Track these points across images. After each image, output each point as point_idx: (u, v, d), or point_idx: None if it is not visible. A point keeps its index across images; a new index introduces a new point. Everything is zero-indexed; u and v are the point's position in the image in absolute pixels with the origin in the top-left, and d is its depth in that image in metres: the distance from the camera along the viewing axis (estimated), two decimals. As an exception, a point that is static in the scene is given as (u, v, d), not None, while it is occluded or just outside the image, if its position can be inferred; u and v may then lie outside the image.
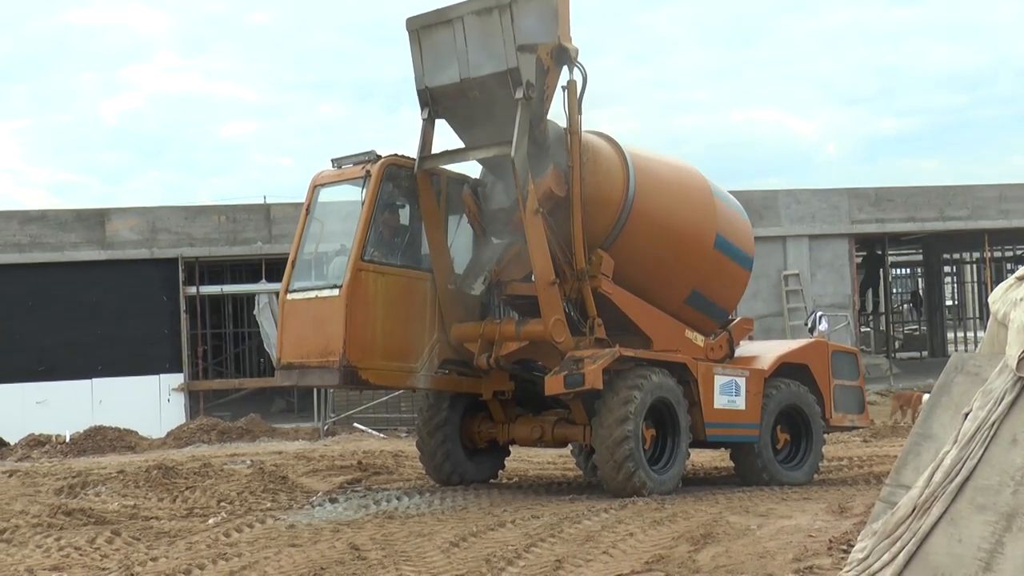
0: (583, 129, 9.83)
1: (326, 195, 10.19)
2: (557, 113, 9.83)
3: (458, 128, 10.02)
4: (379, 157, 9.78)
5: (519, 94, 9.25)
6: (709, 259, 10.58)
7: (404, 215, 10.13)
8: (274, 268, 19.53)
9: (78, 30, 60.54)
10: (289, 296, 9.89)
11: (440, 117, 9.96)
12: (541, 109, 9.60)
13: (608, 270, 9.97)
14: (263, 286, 20.00)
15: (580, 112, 9.73)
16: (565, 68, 9.69)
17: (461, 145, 10.06)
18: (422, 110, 9.92)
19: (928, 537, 4.48)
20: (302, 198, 10.39)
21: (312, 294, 9.71)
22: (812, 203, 22.10)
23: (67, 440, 16.41)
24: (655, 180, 10.30)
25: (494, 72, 9.34)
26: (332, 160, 10.15)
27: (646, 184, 10.16)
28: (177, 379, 19.54)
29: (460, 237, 10.36)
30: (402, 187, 9.96)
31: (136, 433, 16.79)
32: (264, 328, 19.98)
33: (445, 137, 10.18)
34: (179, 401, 19.48)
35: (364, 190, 9.63)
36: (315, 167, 10.39)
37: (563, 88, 9.72)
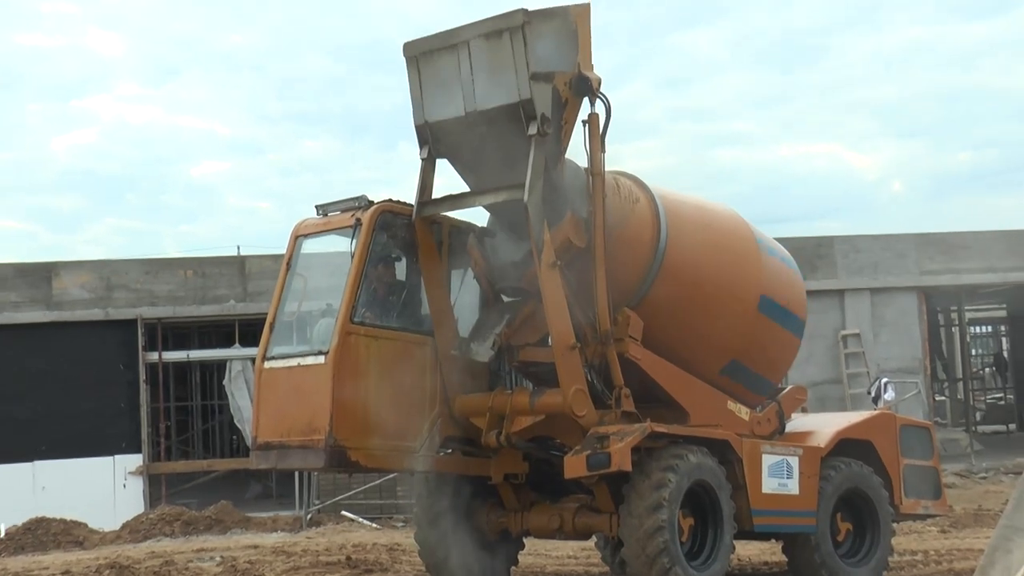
0: (606, 169, 9.96)
1: (310, 247, 10.31)
2: (577, 151, 9.99)
3: (462, 169, 10.15)
4: (371, 203, 9.92)
5: (533, 129, 9.38)
6: (752, 322, 10.68)
7: (400, 270, 10.23)
8: (249, 331, 19.65)
9: (25, 54, 61.48)
10: (267, 364, 9.97)
11: (442, 156, 10.10)
12: (558, 147, 9.74)
13: (636, 332, 10.04)
14: (236, 352, 20.12)
15: (603, 150, 9.87)
16: (586, 100, 9.85)
17: (466, 188, 10.19)
18: (421, 148, 10.06)
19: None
20: (282, 250, 10.50)
21: (294, 362, 9.79)
22: (874, 251, 22.18)
23: (2, 535, 16.40)
24: (690, 228, 10.41)
25: (504, 104, 9.47)
26: (317, 206, 10.27)
27: (680, 232, 10.28)
28: (135, 461, 19.58)
29: (465, 295, 10.44)
30: (398, 237, 10.08)
31: (85, 526, 16.78)
32: (236, 401, 20.05)
33: (447, 179, 10.34)
34: (137, 487, 19.50)
35: (354, 241, 9.75)
36: (298, 213, 10.55)
37: (583, 122, 9.87)
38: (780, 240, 11.95)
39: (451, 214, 10.27)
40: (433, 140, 9.96)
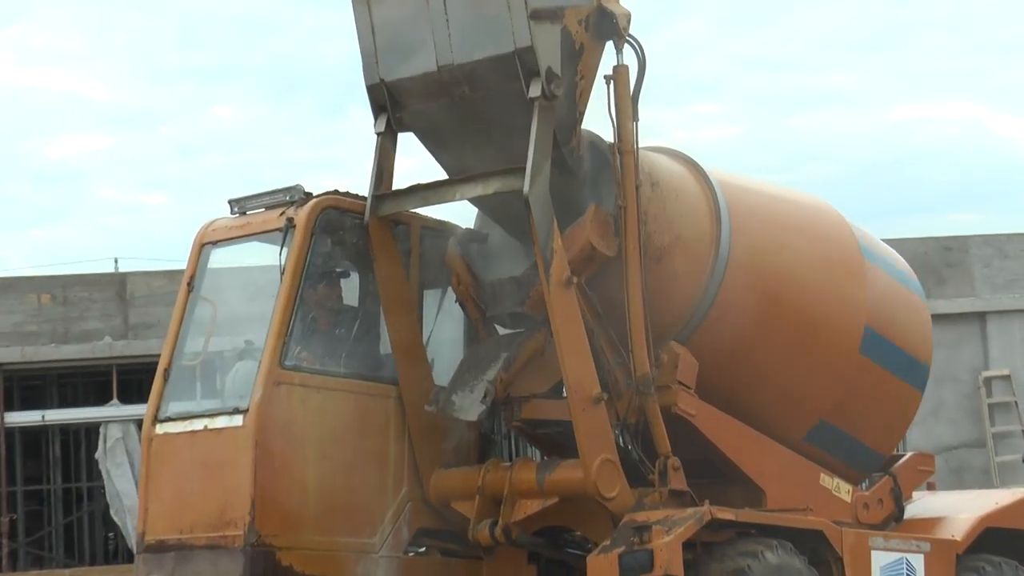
0: (642, 145, 10.07)
1: (221, 259, 10.43)
2: (599, 119, 10.10)
3: (436, 147, 10.27)
4: (309, 195, 10.02)
5: (536, 90, 9.46)
6: (851, 367, 10.82)
7: (351, 291, 10.34)
8: (133, 381, 19.68)
9: None
10: (159, 428, 10.07)
11: (406, 129, 10.20)
12: (572, 114, 9.84)
13: (689, 376, 10.15)
14: (114, 411, 20.11)
15: (635, 117, 10.00)
16: (610, 45, 9.98)
17: (442, 175, 10.28)
18: (376, 118, 10.16)
19: None
20: (180, 264, 10.66)
21: (198, 424, 9.89)
22: (1029, 256, 22.27)
23: None
24: (762, 228, 10.55)
25: (493, 56, 9.56)
26: (231, 201, 10.41)
27: (747, 234, 10.40)
28: (-34, 570, 19.59)
29: (444, 326, 10.57)
30: (348, 245, 10.18)
31: None
32: (114, 483, 20.04)
33: (418, 160, 10.42)
34: (-32, 608, 19.49)
35: (285, 250, 9.84)
36: (204, 212, 10.67)
37: (607, 79, 10.00)
38: (893, 243, 12.07)
39: (423, 211, 10.37)
40: (394, 107, 10.06)
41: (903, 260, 11.72)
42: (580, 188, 9.98)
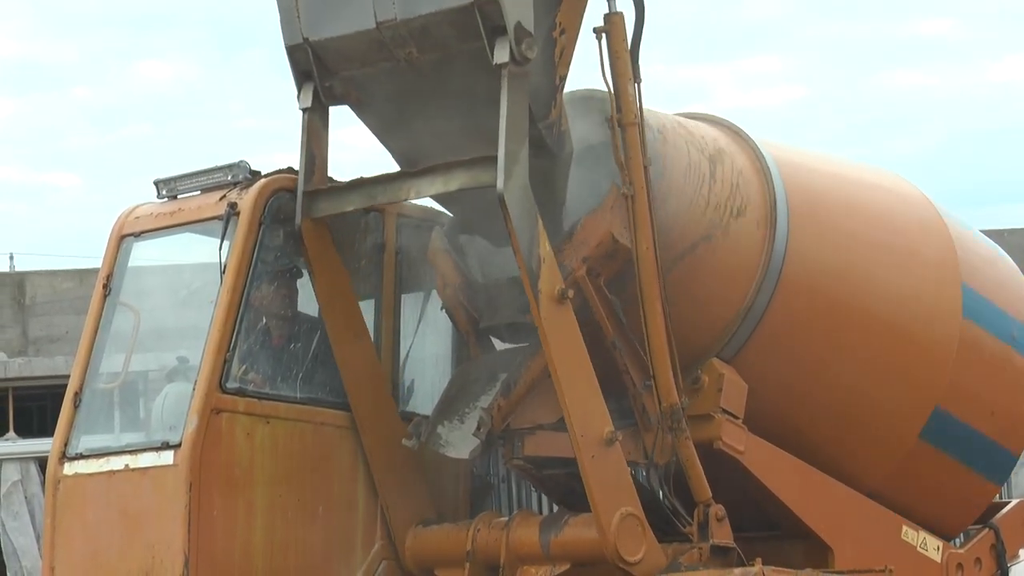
0: (679, 111, 10.38)
1: (145, 253, 10.60)
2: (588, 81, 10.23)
3: (379, 126, 10.24)
4: (256, 175, 10.18)
5: (502, 55, 9.35)
6: (955, 345, 10.99)
7: (309, 296, 10.39)
8: (33, 408, 19.78)
9: None
10: (68, 467, 10.21)
11: (339, 102, 10.18)
12: (550, 79, 9.74)
13: (736, 403, 10.28)
14: (10, 446, 20.19)
15: (637, 78, 10.00)
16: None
17: (394, 167, 10.21)
18: (300, 89, 10.12)
19: None
20: (93, 261, 10.76)
21: (118, 463, 10.01)
22: None
23: None
24: (830, 217, 10.69)
25: (446, 8, 9.45)
26: (158, 183, 10.55)
27: (810, 225, 10.53)
28: None
29: (427, 339, 10.75)
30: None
31: None
32: (11, 538, 20.11)
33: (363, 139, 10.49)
34: None
35: (226, 244, 9.97)
36: (124, 197, 10.82)
37: (596, 32, 10.01)
38: (997, 236, 12.30)
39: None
40: (321, 73, 10.04)
41: (1009, 260, 11.93)
42: (563, 173, 9.95)
